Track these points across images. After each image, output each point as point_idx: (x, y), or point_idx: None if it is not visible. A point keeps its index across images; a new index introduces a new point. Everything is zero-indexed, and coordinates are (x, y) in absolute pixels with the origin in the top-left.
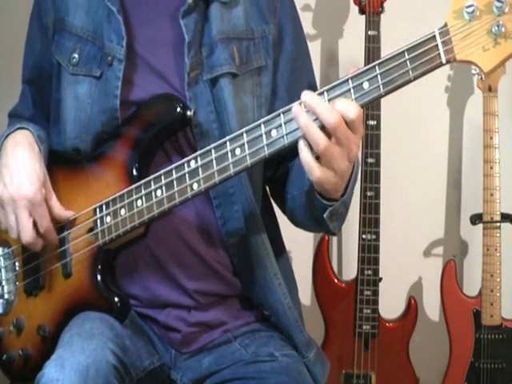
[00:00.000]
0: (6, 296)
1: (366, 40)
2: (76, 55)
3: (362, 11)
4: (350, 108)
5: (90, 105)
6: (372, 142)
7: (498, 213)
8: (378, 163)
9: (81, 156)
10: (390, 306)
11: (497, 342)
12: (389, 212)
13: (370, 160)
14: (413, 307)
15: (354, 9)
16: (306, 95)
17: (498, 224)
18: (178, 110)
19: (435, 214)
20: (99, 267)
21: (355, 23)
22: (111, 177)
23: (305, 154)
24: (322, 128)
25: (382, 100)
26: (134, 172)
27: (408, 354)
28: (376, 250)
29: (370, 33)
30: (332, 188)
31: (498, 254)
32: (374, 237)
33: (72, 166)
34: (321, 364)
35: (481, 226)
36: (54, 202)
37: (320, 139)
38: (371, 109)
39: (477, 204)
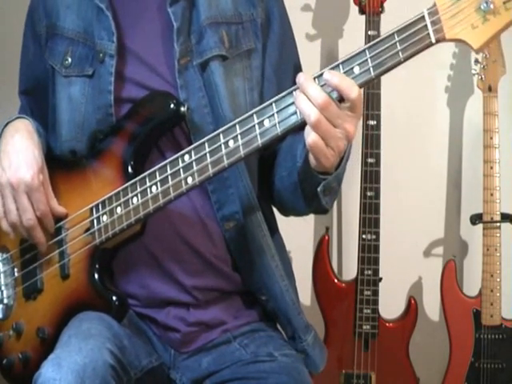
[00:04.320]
0: (5, 301)
1: (366, 40)
2: (69, 58)
3: (362, 11)
4: (353, 87)
5: (83, 104)
6: (372, 142)
7: (498, 213)
8: (378, 163)
9: (77, 158)
10: (390, 305)
11: (497, 342)
12: (389, 212)
13: (370, 160)
14: (413, 307)
15: (354, 9)
16: (301, 77)
17: (498, 224)
18: (172, 106)
19: (435, 214)
20: (97, 266)
21: (355, 23)
22: (107, 176)
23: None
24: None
25: (382, 100)
26: (130, 170)
27: (408, 354)
28: (376, 250)
29: (369, 33)
30: (328, 163)
31: (498, 254)
32: (374, 237)
33: (69, 168)
34: (319, 348)
35: (481, 225)
36: (50, 192)
37: (311, 112)
38: (371, 109)
39: (477, 204)
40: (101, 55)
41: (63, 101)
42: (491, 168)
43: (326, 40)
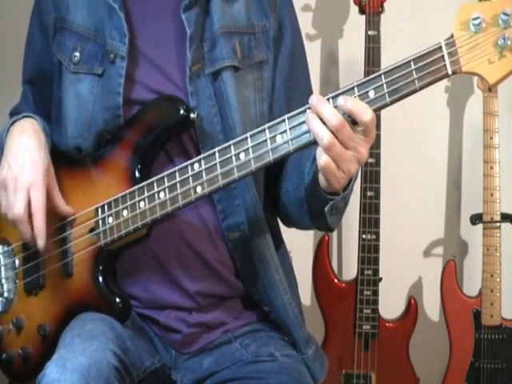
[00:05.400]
0: (5, 294)
1: (365, 40)
2: (77, 54)
3: (362, 11)
4: (366, 111)
5: (91, 103)
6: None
7: (498, 213)
8: (378, 163)
9: (83, 155)
10: (390, 305)
11: (497, 342)
12: (389, 212)
13: (369, 160)
14: (413, 307)
15: (354, 9)
16: (314, 98)
17: (498, 224)
18: (182, 112)
19: (435, 214)
20: (100, 268)
21: (355, 23)
22: (113, 178)
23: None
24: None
25: None
26: (137, 173)
27: (408, 354)
28: (376, 250)
29: (369, 33)
30: (338, 185)
31: (498, 254)
32: (373, 237)
33: (75, 165)
34: (320, 362)
35: (481, 225)
36: (56, 192)
37: (324, 135)
38: None
39: (477, 204)
40: (111, 56)
41: (70, 97)
42: (491, 168)
43: (326, 40)
